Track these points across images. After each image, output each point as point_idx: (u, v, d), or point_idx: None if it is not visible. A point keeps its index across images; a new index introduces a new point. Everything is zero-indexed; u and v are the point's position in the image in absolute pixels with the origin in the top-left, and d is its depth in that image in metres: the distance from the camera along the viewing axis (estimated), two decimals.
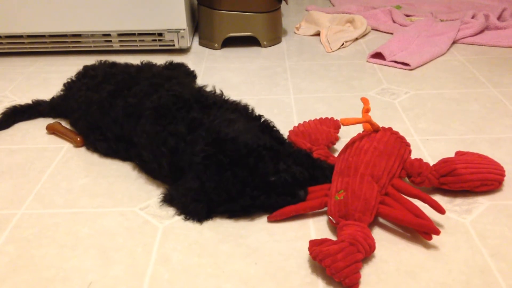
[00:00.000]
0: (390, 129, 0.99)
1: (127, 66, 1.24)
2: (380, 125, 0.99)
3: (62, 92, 1.26)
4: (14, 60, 1.70)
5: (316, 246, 0.75)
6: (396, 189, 0.89)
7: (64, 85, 1.26)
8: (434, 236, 0.81)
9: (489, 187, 0.92)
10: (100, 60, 1.28)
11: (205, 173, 0.87)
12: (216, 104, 1.01)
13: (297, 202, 0.88)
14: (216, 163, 0.87)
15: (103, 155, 1.11)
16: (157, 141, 0.94)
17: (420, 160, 0.95)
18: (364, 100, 0.98)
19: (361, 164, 0.89)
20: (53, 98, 1.30)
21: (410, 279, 0.75)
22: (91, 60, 1.46)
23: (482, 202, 0.91)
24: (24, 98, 1.37)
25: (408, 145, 0.98)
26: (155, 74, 1.15)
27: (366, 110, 0.96)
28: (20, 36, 1.68)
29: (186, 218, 0.90)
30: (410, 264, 0.78)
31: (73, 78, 1.25)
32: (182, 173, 0.91)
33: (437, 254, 0.80)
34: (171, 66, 1.36)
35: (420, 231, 0.81)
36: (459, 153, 0.98)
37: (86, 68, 1.25)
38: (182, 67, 1.40)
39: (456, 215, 0.88)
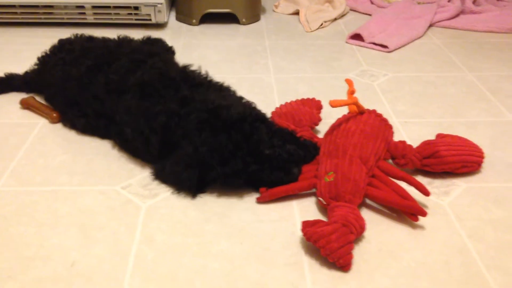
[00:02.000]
0: (374, 111, 1.00)
1: (104, 40, 1.20)
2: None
3: (36, 67, 1.21)
4: None
5: (309, 227, 0.76)
6: (382, 171, 0.90)
7: (39, 59, 1.21)
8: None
9: (469, 168, 0.95)
10: (76, 34, 1.24)
11: (199, 137, 0.86)
12: (202, 84, 0.99)
13: (290, 179, 0.88)
14: (210, 127, 0.87)
15: (80, 132, 1.08)
16: (145, 118, 0.92)
17: (403, 142, 0.96)
18: (349, 82, 0.98)
19: (349, 146, 0.90)
20: (26, 72, 1.25)
21: (392, 260, 0.77)
22: (63, 32, 1.41)
23: (459, 185, 0.94)
24: None
25: (391, 127, 1.00)
26: (135, 49, 1.12)
27: (351, 92, 0.97)
28: None
29: (178, 190, 0.89)
30: (392, 244, 0.80)
31: (48, 52, 1.20)
32: (171, 150, 0.90)
33: (417, 234, 0.82)
34: (149, 41, 1.33)
35: (407, 213, 0.83)
36: (440, 135, 1.00)
37: (61, 41, 1.21)
38: (160, 42, 1.37)
39: (435, 197, 0.90)
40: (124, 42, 1.18)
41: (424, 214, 0.82)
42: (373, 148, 0.91)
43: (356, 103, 0.97)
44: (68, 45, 1.18)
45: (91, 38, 1.21)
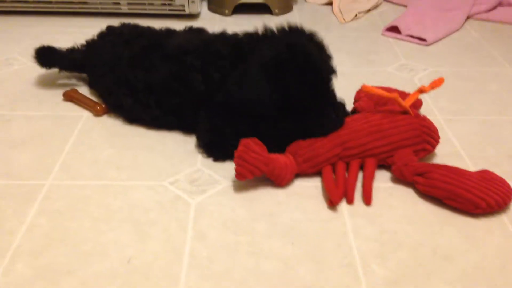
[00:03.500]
0: (420, 117, 0.97)
1: (150, 28, 1.20)
2: None
3: (83, 48, 1.22)
4: (18, 19, 1.63)
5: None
6: (360, 164, 0.93)
7: (87, 41, 1.22)
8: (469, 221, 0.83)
9: (458, 204, 0.85)
10: (123, 22, 1.24)
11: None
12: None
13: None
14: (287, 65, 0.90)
15: (126, 115, 1.09)
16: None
17: (411, 154, 0.93)
18: (433, 83, 1.00)
19: (346, 130, 0.94)
20: (72, 49, 1.24)
21: (447, 263, 0.77)
22: (98, 22, 1.42)
23: None
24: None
25: (427, 141, 0.95)
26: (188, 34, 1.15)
27: (420, 90, 0.98)
28: None
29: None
30: (446, 247, 0.79)
31: (95, 38, 1.21)
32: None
33: (472, 237, 0.81)
34: (193, 30, 1.32)
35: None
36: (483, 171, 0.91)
37: (110, 27, 1.22)
38: (203, 31, 1.36)
39: None
40: (170, 31, 1.18)
41: (331, 203, 0.87)
42: (367, 142, 0.92)
43: (396, 99, 0.96)
44: (117, 30, 1.19)
45: (137, 26, 1.21)
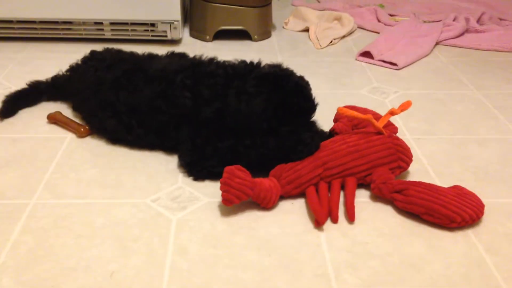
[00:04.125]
0: (393, 136, 1.03)
1: (133, 53, 1.25)
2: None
3: (66, 73, 1.28)
4: (2, 45, 1.67)
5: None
6: (341, 184, 0.97)
7: (70, 66, 1.28)
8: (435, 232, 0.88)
9: (436, 220, 0.89)
10: (106, 47, 1.29)
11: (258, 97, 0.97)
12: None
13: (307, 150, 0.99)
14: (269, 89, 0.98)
15: (109, 136, 1.13)
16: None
17: (387, 172, 0.98)
18: (402, 106, 1.05)
19: (325, 151, 0.98)
20: (55, 77, 1.31)
21: (414, 272, 0.81)
22: (82, 47, 1.46)
23: None
24: (19, 85, 1.35)
25: (397, 158, 1.00)
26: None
27: (391, 113, 1.04)
28: (10, 21, 1.66)
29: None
30: (413, 257, 0.84)
31: (79, 62, 1.26)
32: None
33: (437, 248, 0.86)
34: (174, 55, 1.37)
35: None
36: (456, 187, 0.96)
37: (93, 52, 1.27)
38: (186, 56, 1.41)
39: None
40: (153, 55, 1.23)
41: (317, 224, 0.90)
42: (346, 162, 0.97)
43: (369, 120, 1.02)
44: (99, 55, 1.24)
45: (120, 51, 1.26)
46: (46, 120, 1.21)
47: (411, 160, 1.03)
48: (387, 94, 1.44)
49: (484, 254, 0.85)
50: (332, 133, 1.09)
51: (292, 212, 0.94)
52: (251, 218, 0.93)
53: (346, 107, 1.08)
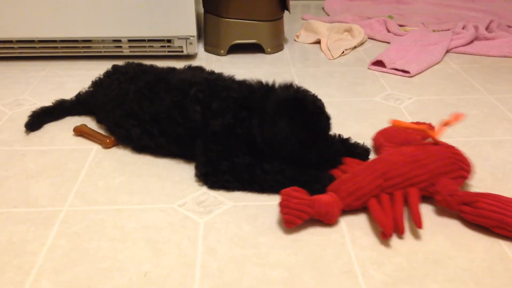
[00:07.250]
0: (450, 146, 1.03)
1: (154, 66, 1.30)
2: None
3: (90, 89, 1.33)
4: (25, 64, 1.73)
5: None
6: (404, 195, 0.94)
7: (93, 82, 1.33)
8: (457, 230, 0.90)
9: (506, 232, 0.89)
10: (127, 61, 1.34)
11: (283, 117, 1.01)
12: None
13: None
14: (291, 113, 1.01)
15: (135, 144, 1.17)
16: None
17: (452, 183, 0.95)
18: (456, 116, 1.05)
19: (383, 161, 0.97)
20: (79, 94, 1.37)
21: (439, 267, 0.83)
22: (102, 64, 1.51)
23: None
24: (44, 101, 1.41)
25: (462, 168, 0.99)
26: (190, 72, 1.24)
27: (445, 123, 1.04)
28: (32, 41, 1.72)
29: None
30: (437, 253, 0.86)
31: (102, 76, 1.31)
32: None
33: (459, 243, 0.89)
34: (192, 68, 1.42)
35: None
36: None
37: (115, 66, 1.32)
38: (202, 69, 1.46)
39: None
40: (172, 68, 1.28)
41: (385, 236, 0.88)
42: (406, 173, 0.95)
43: (425, 130, 1.03)
44: (122, 69, 1.29)
45: (141, 64, 1.31)
46: (73, 132, 1.26)
47: (471, 170, 1.01)
48: (401, 100, 1.47)
49: (506, 249, 0.87)
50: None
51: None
52: (276, 220, 0.95)
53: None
